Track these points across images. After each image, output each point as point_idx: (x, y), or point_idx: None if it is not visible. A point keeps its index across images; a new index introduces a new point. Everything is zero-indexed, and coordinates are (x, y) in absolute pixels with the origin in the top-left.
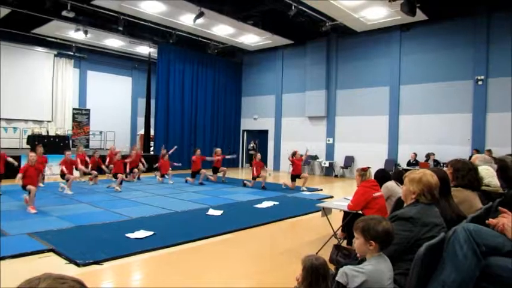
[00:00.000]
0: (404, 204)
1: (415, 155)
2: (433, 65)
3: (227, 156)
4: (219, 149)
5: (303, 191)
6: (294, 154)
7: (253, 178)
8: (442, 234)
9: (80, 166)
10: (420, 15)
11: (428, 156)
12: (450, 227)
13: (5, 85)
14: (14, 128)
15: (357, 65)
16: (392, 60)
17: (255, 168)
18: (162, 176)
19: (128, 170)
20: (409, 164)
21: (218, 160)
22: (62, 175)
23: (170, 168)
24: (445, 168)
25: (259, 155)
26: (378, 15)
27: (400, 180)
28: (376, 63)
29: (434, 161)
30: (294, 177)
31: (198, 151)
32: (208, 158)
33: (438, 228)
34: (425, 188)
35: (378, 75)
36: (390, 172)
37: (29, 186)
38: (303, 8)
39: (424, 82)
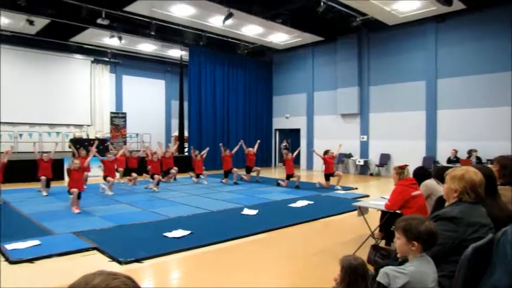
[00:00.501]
0: (446, 203)
1: (456, 151)
2: (472, 56)
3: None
4: (251, 149)
5: (338, 190)
6: (326, 152)
7: (287, 177)
8: (490, 235)
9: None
10: (457, 5)
11: (470, 152)
12: (499, 228)
13: (48, 92)
14: (57, 132)
15: (390, 59)
16: (427, 53)
17: (287, 166)
18: (197, 176)
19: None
20: (449, 161)
21: (251, 159)
22: (105, 177)
23: (204, 168)
24: (490, 165)
25: (290, 155)
26: (410, 7)
27: (441, 178)
28: (410, 57)
29: (477, 157)
30: (328, 176)
31: (227, 151)
32: (234, 151)
33: (485, 229)
34: (468, 186)
35: (413, 70)
36: (429, 170)
37: (73, 189)
38: (332, 4)
39: (463, 75)
